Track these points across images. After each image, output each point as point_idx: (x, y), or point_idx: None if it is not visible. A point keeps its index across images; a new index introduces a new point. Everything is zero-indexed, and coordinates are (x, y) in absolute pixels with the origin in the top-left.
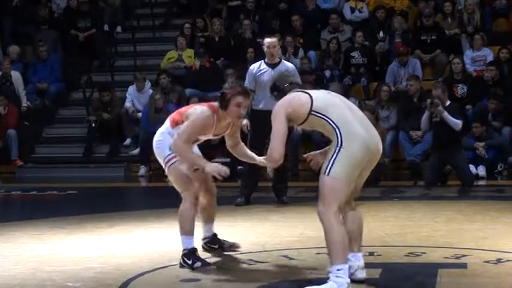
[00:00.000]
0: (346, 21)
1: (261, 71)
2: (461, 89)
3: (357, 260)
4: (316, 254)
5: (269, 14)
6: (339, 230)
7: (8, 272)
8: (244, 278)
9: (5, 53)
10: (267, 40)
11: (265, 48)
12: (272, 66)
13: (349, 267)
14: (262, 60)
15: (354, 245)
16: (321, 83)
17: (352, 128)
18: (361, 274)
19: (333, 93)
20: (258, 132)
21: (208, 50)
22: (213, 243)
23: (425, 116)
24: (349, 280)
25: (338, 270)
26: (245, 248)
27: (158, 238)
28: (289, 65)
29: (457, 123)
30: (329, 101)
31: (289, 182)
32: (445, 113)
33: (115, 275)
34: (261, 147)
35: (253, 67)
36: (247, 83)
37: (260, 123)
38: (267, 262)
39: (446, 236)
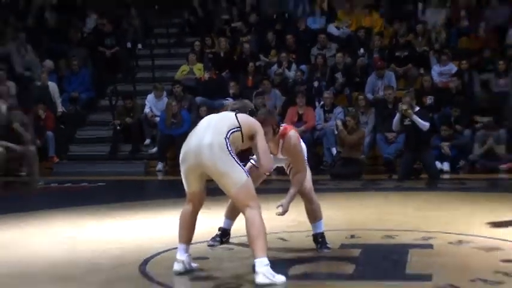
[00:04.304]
0: (333, 40)
1: None
2: (429, 99)
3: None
4: (306, 236)
5: (267, 33)
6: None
7: (44, 252)
8: (243, 257)
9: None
10: None
11: None
12: None
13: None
14: None
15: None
16: (310, 93)
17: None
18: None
19: (213, 115)
20: None
21: (215, 64)
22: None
23: (397, 117)
24: None
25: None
26: (243, 232)
27: (174, 223)
28: None
29: (424, 124)
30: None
31: (284, 174)
32: (414, 116)
33: (136, 253)
34: None
35: None
36: None
37: None
38: None
39: (416, 221)
